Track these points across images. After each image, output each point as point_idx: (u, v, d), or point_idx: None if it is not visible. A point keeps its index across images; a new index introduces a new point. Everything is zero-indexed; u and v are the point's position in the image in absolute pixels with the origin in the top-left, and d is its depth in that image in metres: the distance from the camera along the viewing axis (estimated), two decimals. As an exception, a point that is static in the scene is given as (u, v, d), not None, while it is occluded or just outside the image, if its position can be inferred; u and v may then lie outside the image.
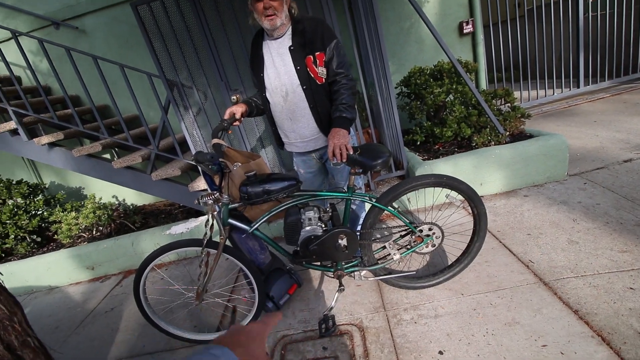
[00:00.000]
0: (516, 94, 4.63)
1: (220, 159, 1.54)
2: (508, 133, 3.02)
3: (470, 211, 1.82)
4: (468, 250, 1.90)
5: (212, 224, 1.62)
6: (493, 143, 2.96)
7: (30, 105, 3.04)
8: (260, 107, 1.88)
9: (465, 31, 3.88)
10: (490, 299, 1.74)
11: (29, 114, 3.03)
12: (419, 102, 3.31)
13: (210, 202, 1.54)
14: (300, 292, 2.10)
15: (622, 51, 4.76)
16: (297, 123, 1.76)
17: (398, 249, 1.77)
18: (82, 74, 2.91)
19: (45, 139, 3.05)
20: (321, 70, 1.66)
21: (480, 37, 3.94)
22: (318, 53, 1.63)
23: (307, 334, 1.78)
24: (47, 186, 4.20)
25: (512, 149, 2.74)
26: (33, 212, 3.53)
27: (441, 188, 1.75)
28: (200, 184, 3.07)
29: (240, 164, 1.72)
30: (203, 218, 2.97)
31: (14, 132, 3.10)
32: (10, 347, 0.97)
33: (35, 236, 3.52)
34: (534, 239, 2.14)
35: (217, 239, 1.66)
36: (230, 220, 1.61)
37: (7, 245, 3.41)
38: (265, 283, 1.81)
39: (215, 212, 1.57)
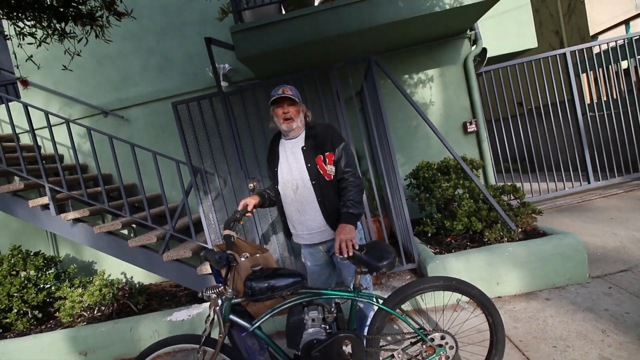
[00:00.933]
0: (526, 185, 4.71)
1: (229, 251, 1.59)
2: (520, 230, 2.99)
3: (486, 318, 1.72)
4: (486, 364, 1.73)
5: (213, 319, 1.58)
6: (506, 239, 2.91)
7: (66, 182, 3.30)
8: (272, 199, 2.00)
9: (469, 130, 4.16)
10: None
11: (63, 191, 3.27)
12: (428, 195, 3.40)
13: (213, 295, 1.53)
14: (299, 401, 1.90)
15: (630, 148, 4.88)
16: (305, 215, 1.85)
17: (408, 359, 1.64)
18: (118, 156, 3.22)
19: (72, 215, 3.22)
20: (330, 168, 1.81)
21: (484, 135, 4.20)
22: (328, 153, 1.81)
23: None
24: (61, 259, 4.27)
25: (526, 247, 2.68)
26: (42, 286, 3.54)
27: (452, 292, 1.69)
28: (208, 267, 3.06)
29: (248, 254, 1.75)
30: (205, 305, 2.89)
31: (45, 206, 3.31)
32: None
33: (37, 312, 3.45)
34: (560, 352, 1.95)
35: (216, 335, 1.60)
36: (231, 317, 1.57)
37: (7, 320, 3.34)
38: (262, 390, 1.66)
39: (218, 307, 1.55)
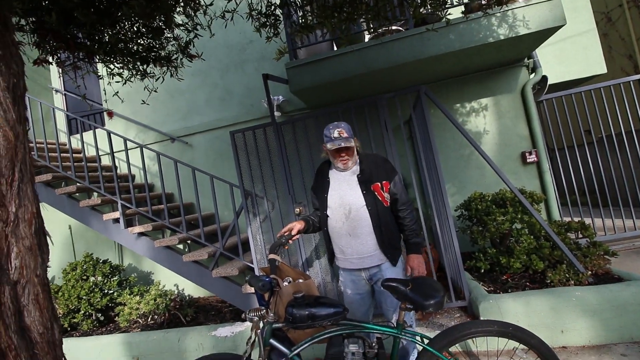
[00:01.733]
0: (597, 222, 4.21)
1: (273, 276, 1.64)
2: (590, 272, 2.67)
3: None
4: None
5: (254, 342, 1.62)
6: (572, 282, 2.62)
7: (135, 200, 3.69)
8: (316, 225, 2.06)
9: (528, 160, 3.90)
10: None
11: (131, 207, 3.66)
12: (481, 228, 3.21)
13: (255, 319, 1.58)
14: None
15: None
16: (357, 239, 1.89)
17: (454, 407, 1.52)
18: (180, 177, 3.54)
19: (137, 229, 3.57)
20: (387, 196, 1.92)
21: (546, 165, 3.90)
22: (384, 182, 1.91)
23: None
24: (124, 268, 4.69)
25: (597, 293, 2.38)
26: (106, 291, 3.90)
27: (507, 339, 1.55)
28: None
29: (291, 279, 1.79)
30: (247, 324, 2.96)
31: (116, 220, 3.71)
32: None
33: (100, 314, 3.80)
34: None
35: (256, 356, 1.63)
36: (271, 341, 1.60)
37: (75, 320, 3.72)
38: (299, 420, 1.64)
39: (259, 330, 1.59)
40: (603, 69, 4.48)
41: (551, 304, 2.41)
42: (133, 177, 5.01)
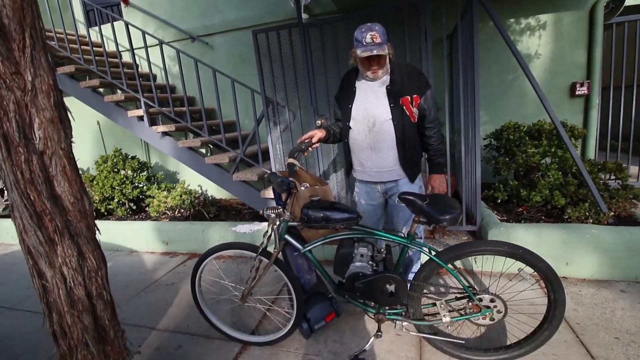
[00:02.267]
0: (633, 170, 3.97)
1: (291, 178, 1.66)
2: (612, 213, 2.61)
3: (546, 293, 1.61)
4: (534, 337, 1.66)
5: (270, 236, 1.73)
6: (591, 221, 2.58)
7: (157, 99, 3.67)
8: (337, 136, 2.00)
9: (578, 93, 3.52)
10: (549, 401, 1.48)
11: (154, 106, 3.66)
12: (507, 159, 3.08)
13: (273, 215, 1.65)
14: (337, 322, 2.08)
15: None
16: (378, 153, 1.84)
17: (449, 311, 1.64)
18: (201, 81, 3.43)
19: (161, 128, 3.63)
20: (415, 111, 1.80)
21: (596, 101, 3.53)
22: (415, 96, 1.77)
23: (334, 369, 1.74)
24: (152, 165, 4.95)
25: (615, 233, 2.35)
26: (136, 184, 4.19)
27: (515, 260, 1.58)
28: (271, 192, 3.29)
29: (308, 185, 1.82)
30: (265, 224, 3.17)
31: (140, 118, 3.77)
32: (89, 295, 1.18)
33: (132, 204, 4.16)
34: (623, 345, 1.77)
35: (271, 249, 1.76)
36: (286, 236, 1.70)
37: (110, 207, 4.10)
38: (305, 304, 1.84)
39: (275, 226, 1.68)
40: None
41: (563, 238, 2.42)
42: (154, 76, 4.91)
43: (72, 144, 1.20)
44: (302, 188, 1.73)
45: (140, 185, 4.21)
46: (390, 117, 1.78)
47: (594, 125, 3.60)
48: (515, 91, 3.73)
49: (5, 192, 1.06)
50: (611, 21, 3.56)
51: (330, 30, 2.85)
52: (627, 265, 2.33)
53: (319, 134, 1.89)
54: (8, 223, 4.19)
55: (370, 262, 1.64)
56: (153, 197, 3.93)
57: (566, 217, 2.65)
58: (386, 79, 1.79)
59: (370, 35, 1.64)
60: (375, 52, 1.62)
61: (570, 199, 2.81)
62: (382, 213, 2.06)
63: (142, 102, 3.63)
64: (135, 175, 4.22)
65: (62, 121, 1.12)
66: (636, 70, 3.67)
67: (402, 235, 1.65)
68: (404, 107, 1.77)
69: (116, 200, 4.02)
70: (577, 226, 2.47)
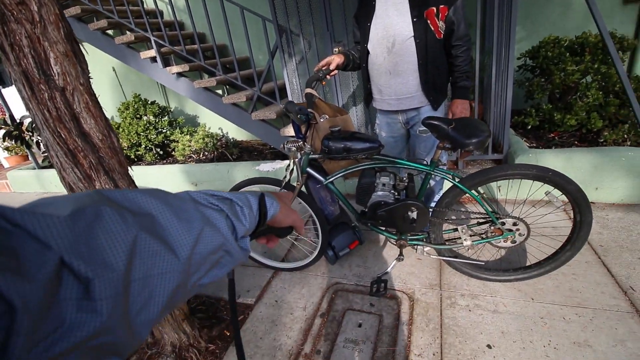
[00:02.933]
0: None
1: (309, 110, 1.62)
2: (656, 134, 2.42)
3: (572, 216, 1.59)
4: (555, 257, 1.70)
5: (292, 169, 1.76)
6: (629, 143, 2.42)
7: (167, 37, 3.54)
8: (356, 62, 1.86)
9: (635, -4, 3.03)
10: (564, 312, 1.57)
11: (166, 45, 3.54)
12: (543, 80, 2.83)
13: (293, 148, 1.66)
14: (360, 249, 2.20)
15: None
16: (397, 78, 1.72)
17: (471, 235, 1.68)
18: (210, 14, 3.23)
19: (175, 69, 3.56)
20: (442, 25, 1.59)
21: (657, 4, 3.04)
22: (442, 6, 1.56)
23: (358, 288, 1.89)
24: (172, 110, 4.96)
25: (654, 155, 2.21)
26: (160, 130, 4.28)
27: (543, 183, 1.54)
28: (291, 130, 3.27)
29: (327, 116, 1.78)
30: (287, 161, 3.22)
31: (153, 59, 3.68)
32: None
33: (159, 149, 4.30)
34: (647, 265, 1.79)
35: (294, 183, 1.81)
36: (308, 169, 1.72)
37: (139, 152, 4.26)
38: (330, 233, 1.93)
39: (297, 159, 1.70)
40: None
41: (595, 162, 2.31)
42: (161, 13, 4.67)
43: (91, 79, 1.20)
44: (322, 120, 1.70)
45: (164, 130, 4.29)
46: (413, 34, 1.60)
47: (649, 35, 3.16)
48: (557, 1, 3.27)
49: (40, 137, 1.10)
50: None
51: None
52: (664, 187, 2.24)
53: (337, 59, 1.77)
54: (50, 173, 4.49)
55: (392, 191, 1.66)
56: (177, 142, 4.03)
57: (602, 140, 2.49)
58: None
59: None
60: None
61: (609, 121, 2.61)
62: (405, 145, 2.01)
63: (153, 42, 3.51)
64: (157, 120, 4.28)
65: (76, 55, 1.11)
66: None
67: (425, 162, 1.63)
68: (429, 21, 1.57)
69: (143, 146, 4.16)
70: (612, 149, 2.33)
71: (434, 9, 1.56)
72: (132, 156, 4.28)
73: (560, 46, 2.75)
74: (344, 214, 2.05)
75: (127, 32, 3.78)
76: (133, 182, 1.28)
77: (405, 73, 1.70)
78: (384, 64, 1.71)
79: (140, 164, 4.25)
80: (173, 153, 4.19)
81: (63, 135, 1.09)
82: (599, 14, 2.22)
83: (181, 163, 3.90)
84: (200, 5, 3.26)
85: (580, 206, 1.52)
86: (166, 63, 3.69)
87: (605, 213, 2.28)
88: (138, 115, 4.29)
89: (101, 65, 5.19)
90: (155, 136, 4.17)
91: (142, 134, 4.14)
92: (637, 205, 2.31)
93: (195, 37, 3.40)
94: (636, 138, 2.40)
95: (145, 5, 4.63)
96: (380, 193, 1.65)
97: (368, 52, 1.75)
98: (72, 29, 1.07)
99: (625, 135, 2.44)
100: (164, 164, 4.10)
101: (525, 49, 3.06)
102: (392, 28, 1.63)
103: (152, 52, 3.58)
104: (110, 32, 3.88)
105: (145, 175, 3.83)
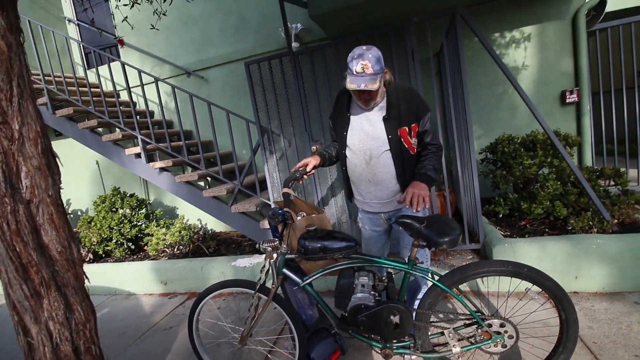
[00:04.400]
0: (632, 173, 3.93)
1: (286, 209, 1.64)
2: (616, 221, 2.55)
3: (557, 313, 1.54)
4: (549, 361, 1.58)
5: (268, 270, 1.68)
6: (595, 230, 2.52)
7: (154, 136, 3.72)
8: (333, 159, 1.94)
9: (568, 100, 3.55)
10: None
11: (151, 142, 3.70)
12: (504, 172, 3.06)
13: (269, 249, 1.61)
14: (343, 359, 1.98)
15: None
16: (378, 186, 1.75)
17: (459, 340, 1.57)
18: (197, 114, 3.49)
19: (158, 164, 3.65)
20: (414, 141, 1.68)
21: (587, 107, 3.55)
22: (413, 125, 1.64)
23: (343, 409, 1.64)
24: (150, 202, 4.94)
25: (620, 242, 2.29)
26: (134, 223, 4.17)
27: (520, 281, 1.53)
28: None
29: (304, 213, 1.79)
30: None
31: (138, 155, 3.80)
32: (76, 351, 1.13)
33: (130, 244, 4.11)
34: (646, 365, 1.68)
35: (270, 285, 1.71)
36: (284, 270, 1.65)
37: (108, 248, 4.05)
38: (309, 342, 1.76)
39: (272, 260, 1.64)
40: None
41: (568, 250, 2.35)
42: (152, 113, 5.01)
43: (61, 190, 1.19)
44: (298, 218, 1.70)
45: (139, 224, 4.18)
46: (389, 148, 1.65)
47: (588, 132, 3.60)
48: (506, 103, 3.77)
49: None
50: (594, 28, 3.63)
51: (320, 56, 2.91)
52: (637, 275, 2.26)
53: (313, 161, 1.84)
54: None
55: (372, 292, 1.58)
56: (152, 235, 3.90)
57: (570, 228, 2.59)
58: (383, 105, 1.66)
59: (362, 64, 1.47)
60: (362, 87, 1.46)
61: (572, 208, 2.76)
62: (388, 239, 2.00)
63: (139, 139, 3.67)
64: (133, 213, 4.20)
65: (49, 167, 1.12)
66: (624, 74, 3.72)
67: (404, 260, 1.60)
68: (402, 139, 1.64)
69: (114, 240, 3.98)
70: (581, 237, 2.41)
71: (406, 128, 1.63)
72: (101, 252, 4.05)
73: (514, 143, 3.06)
74: (324, 319, 1.90)
75: (117, 130, 3.97)
76: (87, 296, 1.18)
77: (384, 182, 1.73)
78: (363, 174, 1.76)
79: (108, 260, 4.00)
80: (146, 247, 4.00)
81: (18, 249, 1.03)
82: (542, 118, 2.54)
83: (152, 259, 3.70)
84: (188, 107, 3.54)
85: (562, 303, 1.49)
86: (150, 158, 3.80)
87: (590, 304, 2.23)
88: (114, 209, 4.21)
89: (85, 158, 5.29)
90: (129, 230, 4.03)
91: (115, 227, 4.00)
92: (619, 294, 2.29)
93: (182, 135, 3.59)
94: (601, 225, 2.51)
95: (137, 106, 5.00)
96: (359, 295, 1.57)
97: (346, 157, 1.82)
98: (51, 144, 1.11)
99: (591, 222, 2.55)
100: (133, 259, 3.88)
101: (485, 145, 3.38)
102: (368, 142, 1.68)
103: (137, 149, 3.70)
104: (99, 129, 4.05)
105: (111, 274, 3.57)
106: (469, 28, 2.51)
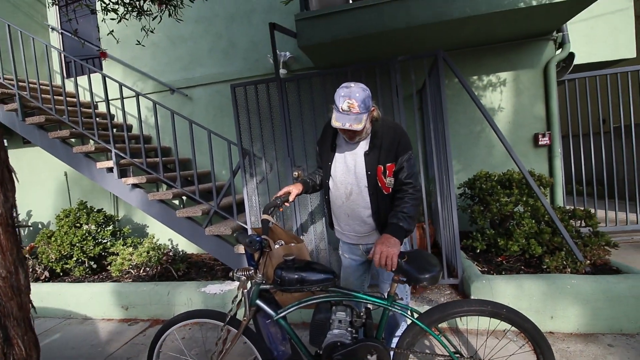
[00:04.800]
0: (600, 213, 4.12)
1: (264, 236, 1.56)
2: (589, 262, 2.62)
3: (536, 355, 1.51)
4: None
5: (240, 301, 1.57)
6: (569, 270, 2.57)
7: (130, 150, 3.57)
8: (316, 188, 1.92)
9: (540, 143, 3.73)
10: None
11: (126, 157, 3.54)
12: (482, 208, 3.11)
13: (243, 277, 1.52)
14: (316, 399, 1.84)
15: None
16: (355, 220, 1.73)
17: (437, 382, 1.49)
18: (178, 131, 3.40)
19: (131, 180, 3.48)
20: (389, 181, 1.63)
21: (558, 150, 3.74)
22: (389, 164, 1.61)
23: None
24: (119, 219, 4.67)
25: (594, 283, 2.33)
26: (99, 240, 3.90)
27: (499, 321, 1.50)
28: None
29: (283, 242, 1.71)
30: (237, 284, 2.95)
31: (110, 169, 3.61)
32: None
33: (93, 262, 3.82)
34: (622, 413, 1.65)
35: (241, 316, 1.59)
36: (258, 302, 1.55)
37: (67, 266, 3.74)
38: (279, 380, 1.63)
39: (246, 290, 1.54)
40: (632, 53, 4.19)
41: (544, 290, 2.37)
42: (130, 127, 4.86)
43: (14, 208, 1.07)
44: (276, 246, 1.62)
45: (104, 241, 3.92)
46: (367, 185, 1.64)
47: (559, 173, 3.78)
48: (483, 142, 3.92)
49: None
50: (563, 78, 3.92)
51: (306, 85, 2.95)
52: (610, 316, 2.29)
53: (294, 190, 1.81)
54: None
55: (349, 329, 1.50)
56: (117, 255, 3.64)
57: (545, 266, 2.63)
58: (367, 141, 1.64)
59: (348, 103, 1.47)
60: (347, 126, 1.47)
61: (546, 247, 2.82)
62: (367, 269, 1.94)
63: (113, 153, 3.51)
64: (99, 230, 3.94)
65: (2, 183, 1.01)
66: (590, 121, 3.99)
67: (383, 296, 1.54)
68: (377, 178, 1.62)
69: (75, 258, 3.69)
70: (557, 276, 2.44)
71: (382, 167, 1.61)
72: (59, 270, 3.73)
73: (491, 180, 3.15)
74: (297, 356, 1.78)
75: (91, 141, 3.79)
76: (31, 329, 1.03)
77: (361, 217, 1.71)
78: (342, 207, 1.75)
79: (65, 280, 3.69)
80: (109, 268, 3.73)
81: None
82: (518, 158, 2.64)
83: (115, 280, 3.44)
84: (169, 124, 3.45)
85: (540, 346, 1.46)
86: (123, 174, 3.63)
87: (566, 345, 2.22)
88: (78, 224, 3.94)
89: (53, 169, 5.00)
90: (92, 247, 3.76)
91: (77, 244, 3.72)
92: (593, 335, 2.30)
93: (159, 151, 3.47)
94: (574, 265, 2.56)
95: (116, 119, 4.84)
96: (336, 332, 1.48)
97: (329, 188, 1.80)
98: (8, 155, 1.01)
99: (564, 262, 2.60)
100: (94, 280, 3.59)
101: (463, 180, 3.46)
102: (349, 176, 1.68)
103: (110, 163, 3.53)
104: (72, 139, 3.86)
105: (66, 295, 3.27)
106: (450, 69, 2.63)
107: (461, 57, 3.85)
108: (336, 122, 1.49)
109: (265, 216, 1.67)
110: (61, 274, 3.78)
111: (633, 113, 3.92)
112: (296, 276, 1.47)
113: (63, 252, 3.68)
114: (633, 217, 4.30)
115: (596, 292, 2.30)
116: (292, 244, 1.65)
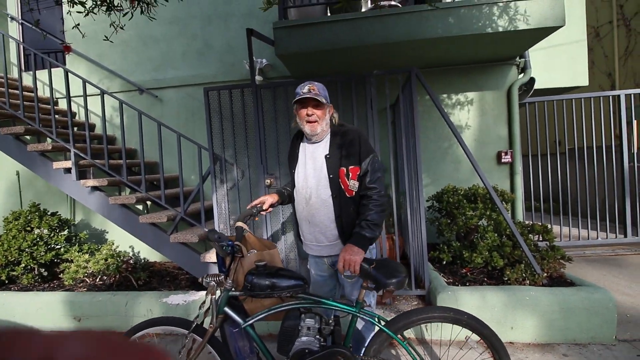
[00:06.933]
0: (555, 229, 4.40)
1: (237, 243, 1.51)
2: (546, 275, 2.76)
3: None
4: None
5: (208, 308, 1.50)
6: (528, 282, 2.70)
7: (91, 150, 3.37)
8: (291, 197, 1.90)
9: (503, 160, 3.95)
10: None
11: (86, 158, 3.34)
12: (449, 221, 3.22)
13: (212, 283, 1.46)
14: (281, 414, 1.78)
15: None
16: (315, 227, 1.71)
17: (403, 391, 1.49)
18: (145, 133, 3.26)
19: (91, 182, 3.28)
20: (352, 184, 1.63)
21: (519, 168, 3.98)
22: (352, 167, 1.62)
23: None
24: (76, 223, 4.36)
25: (550, 295, 2.46)
26: (52, 246, 3.60)
27: (461, 327, 1.54)
28: (213, 256, 3.01)
29: (256, 250, 1.67)
30: (202, 293, 2.83)
31: (68, 170, 3.39)
32: None
33: (43, 270, 3.52)
34: (575, 418, 1.73)
35: (208, 324, 1.52)
36: (225, 309, 1.49)
37: (14, 273, 3.42)
38: (244, 394, 1.56)
39: (215, 296, 1.47)
40: (586, 82, 4.58)
41: (505, 301, 2.47)
42: (93, 126, 4.60)
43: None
44: (249, 254, 1.57)
45: (57, 247, 3.62)
46: (329, 188, 1.63)
47: (520, 189, 4.00)
48: (450, 157, 4.09)
49: None
50: (525, 101, 4.21)
51: (282, 92, 2.95)
52: (564, 327, 2.41)
53: (270, 199, 1.78)
54: None
55: (317, 337, 1.47)
56: (71, 262, 3.38)
57: (506, 278, 2.74)
58: (327, 143, 1.68)
59: (309, 86, 1.59)
60: (308, 91, 1.57)
61: (507, 259, 2.95)
62: (335, 283, 1.91)
63: (72, 153, 3.30)
64: (52, 234, 3.65)
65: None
66: (547, 142, 4.30)
67: (352, 304, 1.53)
68: (340, 180, 1.62)
69: (23, 265, 3.38)
70: (516, 288, 2.55)
71: (344, 169, 1.62)
72: (4, 277, 3.40)
73: (458, 194, 3.28)
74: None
75: (48, 139, 3.54)
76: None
77: (322, 224, 1.68)
78: (303, 213, 1.74)
79: (11, 288, 3.36)
80: (61, 276, 3.45)
81: None
82: (483, 174, 2.77)
83: (68, 289, 3.18)
84: (135, 125, 3.30)
85: (498, 353, 1.51)
86: (82, 175, 3.41)
87: (525, 354, 2.31)
88: (29, 228, 3.62)
89: (4, 169, 4.61)
90: (43, 253, 3.46)
91: (26, 250, 3.42)
92: (550, 345, 2.41)
93: (123, 152, 3.31)
94: (532, 278, 2.69)
95: (77, 117, 4.57)
96: (304, 339, 1.45)
97: (293, 197, 1.81)
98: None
99: (524, 274, 2.73)
100: (44, 289, 3.30)
101: (432, 193, 3.57)
102: (309, 180, 1.68)
103: (68, 164, 3.32)
104: (27, 137, 3.59)
105: (11, 304, 2.97)
106: (422, 86, 2.74)
107: (432, 75, 4.03)
108: (299, 98, 1.61)
109: (239, 223, 1.62)
110: (7, 281, 3.44)
111: (585, 136, 4.25)
112: (267, 282, 1.44)
113: (10, 257, 3.36)
114: (584, 233, 4.63)
115: (552, 304, 2.42)
116: (265, 251, 1.61)
